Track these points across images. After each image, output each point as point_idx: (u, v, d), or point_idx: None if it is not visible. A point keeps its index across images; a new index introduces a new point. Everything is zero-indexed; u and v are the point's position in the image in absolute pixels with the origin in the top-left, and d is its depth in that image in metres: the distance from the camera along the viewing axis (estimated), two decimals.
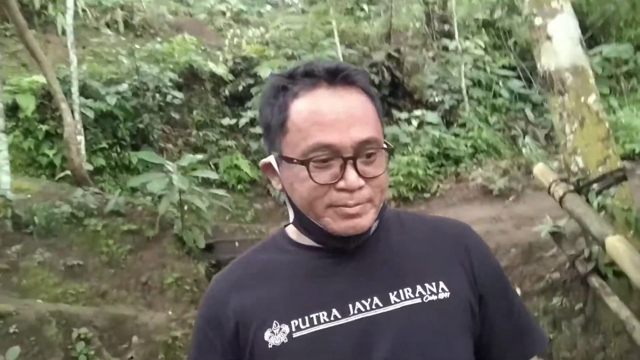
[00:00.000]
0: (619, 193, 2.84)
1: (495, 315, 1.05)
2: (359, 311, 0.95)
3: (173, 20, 11.77)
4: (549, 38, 3.01)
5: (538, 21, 3.06)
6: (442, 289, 0.99)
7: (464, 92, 8.07)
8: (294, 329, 0.94)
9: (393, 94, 8.98)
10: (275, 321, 0.95)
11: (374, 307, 0.96)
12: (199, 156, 5.63)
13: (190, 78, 9.06)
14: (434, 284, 0.99)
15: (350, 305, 0.96)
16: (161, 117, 8.15)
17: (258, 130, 8.33)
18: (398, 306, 0.96)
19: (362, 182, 0.91)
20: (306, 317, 0.95)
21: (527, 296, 3.47)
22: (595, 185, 2.82)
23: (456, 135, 7.64)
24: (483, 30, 9.68)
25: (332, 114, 0.91)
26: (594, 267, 2.80)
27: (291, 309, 0.96)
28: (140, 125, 7.65)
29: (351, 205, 0.93)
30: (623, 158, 6.62)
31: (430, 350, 0.95)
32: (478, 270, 1.04)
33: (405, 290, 0.98)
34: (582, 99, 2.92)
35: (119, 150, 7.41)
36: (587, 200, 2.81)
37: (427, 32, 9.80)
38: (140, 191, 5.69)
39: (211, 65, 9.16)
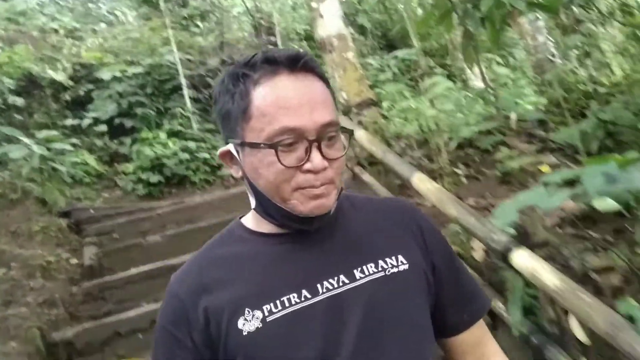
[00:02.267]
0: (370, 114, 4.44)
1: (447, 283, 1.16)
2: (327, 289, 1.02)
3: (5, 36, 12.02)
4: (321, 16, 4.57)
5: (314, 5, 4.62)
6: (402, 262, 1.08)
7: None
8: (267, 314, 0.99)
9: None
10: (247, 309, 0.99)
11: (340, 284, 1.03)
12: (55, 132, 6.45)
13: (29, 84, 9.59)
14: (393, 257, 1.08)
15: (319, 285, 1.02)
16: (4, 119, 8.64)
17: (102, 128, 9.16)
18: (363, 281, 1.04)
19: (326, 163, 0.98)
20: (277, 301, 1.00)
21: None
22: (354, 109, 4.39)
23: None
24: (304, 41, 11.52)
25: (296, 99, 0.97)
26: (358, 161, 4.34)
27: (261, 295, 1.01)
28: None
29: (317, 186, 0.99)
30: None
31: (398, 318, 1.05)
32: (429, 243, 1.15)
33: (368, 266, 1.06)
34: (344, 54, 4.50)
35: None
36: (350, 119, 4.37)
37: (257, 43, 11.36)
38: None
39: (50, 72, 9.77)
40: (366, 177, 4.11)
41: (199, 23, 13.15)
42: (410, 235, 1.14)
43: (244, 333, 0.97)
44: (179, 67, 9.41)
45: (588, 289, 2.18)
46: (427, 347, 1.09)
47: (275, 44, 10.94)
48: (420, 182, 3.02)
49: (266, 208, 1.06)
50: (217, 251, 1.11)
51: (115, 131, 9.24)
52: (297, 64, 0.99)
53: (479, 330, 1.22)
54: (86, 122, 9.21)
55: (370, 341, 1.00)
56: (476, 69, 6.33)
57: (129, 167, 8.61)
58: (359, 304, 1.02)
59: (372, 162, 4.20)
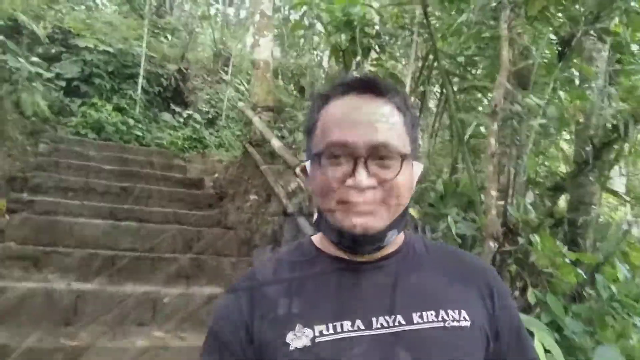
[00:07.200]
0: (267, 114, 7.02)
1: (510, 353, 1.18)
2: (382, 326, 1.05)
3: None
4: (259, 45, 7.22)
5: (257, 37, 7.26)
6: (464, 318, 1.09)
7: (224, 109, 12.34)
8: (317, 334, 1.03)
9: (174, 98, 12.76)
10: (298, 324, 1.05)
11: (396, 324, 1.05)
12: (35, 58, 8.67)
13: (11, 29, 11.64)
14: (456, 311, 1.09)
15: (374, 319, 1.06)
16: None
17: (60, 84, 11.23)
18: (420, 327, 1.06)
19: (372, 182, 1.03)
20: (330, 325, 1.04)
21: None
22: (259, 109, 6.99)
23: (211, 133, 11.71)
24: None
25: (353, 117, 1.05)
26: (249, 140, 6.89)
27: (315, 315, 1.06)
28: None
29: (360, 204, 1.03)
30: None
31: None
32: (498, 307, 1.16)
33: (428, 312, 1.08)
34: (265, 74, 7.14)
35: None
36: (253, 112, 6.96)
37: (211, 67, 13.99)
38: None
39: (33, 25, 11.91)
40: (251, 149, 6.62)
41: (168, 35, 15.68)
42: (480, 294, 1.16)
43: (291, 347, 1.02)
44: (142, 60, 11.79)
45: None
46: None
47: (227, 73, 13.58)
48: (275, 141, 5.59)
49: (321, 222, 1.14)
50: (285, 263, 1.20)
51: (71, 91, 11.36)
52: (363, 86, 1.08)
53: None
54: (49, 74, 11.30)
55: None
56: None
57: (73, 120, 10.65)
58: (410, 347, 1.04)
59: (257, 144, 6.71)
